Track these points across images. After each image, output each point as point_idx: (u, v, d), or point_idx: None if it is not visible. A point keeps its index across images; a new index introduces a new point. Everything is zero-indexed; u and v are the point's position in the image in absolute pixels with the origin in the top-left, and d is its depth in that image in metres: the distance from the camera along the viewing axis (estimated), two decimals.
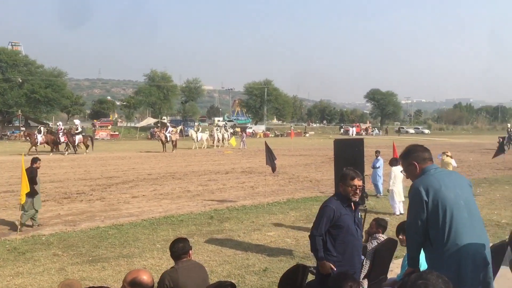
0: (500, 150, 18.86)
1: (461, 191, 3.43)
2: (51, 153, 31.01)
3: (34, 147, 30.43)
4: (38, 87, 59.94)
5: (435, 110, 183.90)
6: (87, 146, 31.37)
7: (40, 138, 31.09)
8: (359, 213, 4.54)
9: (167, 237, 8.88)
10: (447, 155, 14.08)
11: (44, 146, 32.30)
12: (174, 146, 33.68)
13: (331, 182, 10.58)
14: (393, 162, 12.14)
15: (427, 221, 3.32)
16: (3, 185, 16.05)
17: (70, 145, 31.25)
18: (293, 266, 4.52)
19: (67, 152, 30.96)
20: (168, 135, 34.17)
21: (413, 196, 3.42)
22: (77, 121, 35.76)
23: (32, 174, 9.65)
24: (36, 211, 9.95)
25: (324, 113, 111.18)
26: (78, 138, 31.15)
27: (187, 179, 18.16)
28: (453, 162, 14.03)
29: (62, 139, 31.57)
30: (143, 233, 9.45)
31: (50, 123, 57.21)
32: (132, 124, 74.06)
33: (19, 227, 9.43)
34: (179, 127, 49.47)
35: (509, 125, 48.88)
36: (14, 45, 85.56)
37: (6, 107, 59.92)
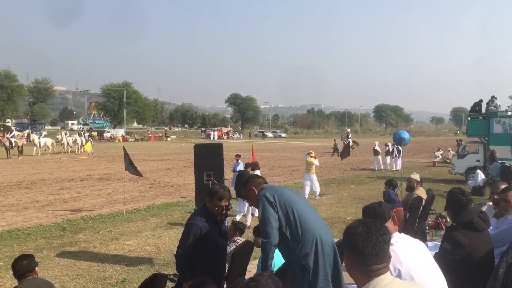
0: (346, 152, 20.74)
1: (297, 194, 4.07)
2: None
3: None
4: None
5: (291, 115, 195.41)
6: None
7: None
8: (225, 224, 4.55)
9: (11, 254, 8.00)
10: (311, 156, 14.98)
11: None
12: (20, 152, 30.52)
13: (193, 186, 10.56)
14: (251, 166, 12.64)
15: (280, 222, 3.65)
16: None
17: None
18: (151, 276, 4.37)
19: None
20: (13, 140, 30.91)
21: (262, 201, 3.73)
22: None
23: None
24: None
25: (186, 117, 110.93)
26: None
27: (35, 188, 16.60)
28: (316, 162, 15.06)
29: None
30: None
31: None
32: None
33: None
34: (26, 131, 44.99)
35: (348, 130, 54.20)
36: None
37: None
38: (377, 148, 26.05)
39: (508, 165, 13.73)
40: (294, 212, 3.67)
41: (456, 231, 3.53)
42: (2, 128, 42.86)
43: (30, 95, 72.55)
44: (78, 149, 36.63)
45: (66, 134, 38.61)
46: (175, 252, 4.28)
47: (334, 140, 41.15)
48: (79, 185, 17.52)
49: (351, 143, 38.19)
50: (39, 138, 34.80)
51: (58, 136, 39.01)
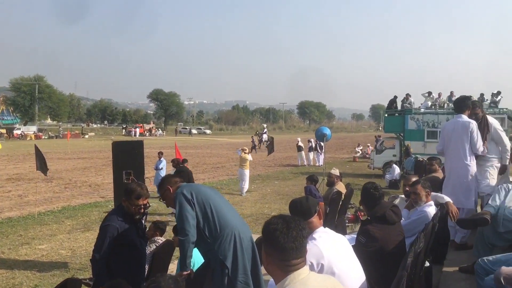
0: (271, 148, 21.06)
1: (214, 191, 4.03)
2: None
3: None
4: None
5: (216, 111, 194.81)
6: None
7: None
8: (143, 223, 4.37)
9: None
10: (245, 152, 15.55)
11: None
12: None
13: (112, 186, 10.13)
14: (174, 162, 12.52)
15: (197, 218, 3.64)
16: None
17: None
18: (63, 281, 4.10)
19: None
20: None
21: (179, 199, 3.68)
22: None
23: None
24: None
25: (105, 113, 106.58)
26: None
27: None
28: (249, 157, 15.64)
29: None
30: None
31: None
32: None
33: None
34: None
35: (265, 125, 55.24)
36: None
37: None
38: (300, 144, 26.69)
39: (421, 159, 14.57)
40: (212, 209, 3.68)
41: (370, 224, 3.66)
42: None
43: None
44: None
45: None
46: (91, 257, 4.04)
47: (252, 136, 41.70)
48: None
49: (265, 139, 38.85)
50: None
51: None
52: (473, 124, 5.33)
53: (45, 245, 8.71)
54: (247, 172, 15.21)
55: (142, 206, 4.03)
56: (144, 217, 6.73)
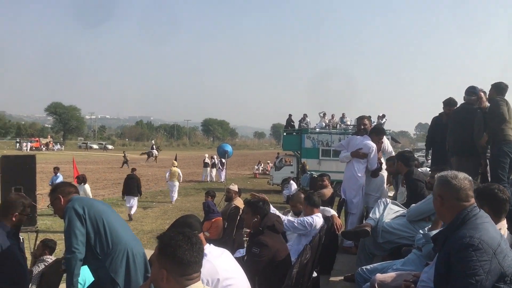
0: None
1: (106, 206, 3.94)
2: None
3: None
4: None
5: (119, 127, 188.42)
6: None
7: None
8: (21, 238, 4.15)
9: None
10: (174, 166, 17.18)
11: None
12: None
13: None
14: (80, 179, 12.07)
15: (88, 235, 3.53)
16: None
17: None
18: None
19: None
20: None
21: (69, 214, 3.53)
22: None
23: None
24: None
25: None
26: None
27: None
28: (178, 171, 17.22)
29: None
30: None
31: None
32: None
33: None
34: None
35: (153, 141, 55.87)
36: None
37: None
38: (207, 160, 26.92)
39: (316, 176, 15.36)
40: (104, 224, 3.59)
41: (262, 234, 3.88)
42: None
43: None
44: None
45: None
46: None
47: (123, 152, 41.23)
48: None
49: (155, 154, 41.14)
50: None
51: None
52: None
53: None
54: (177, 183, 16.96)
55: (25, 215, 3.88)
56: (36, 234, 6.40)
